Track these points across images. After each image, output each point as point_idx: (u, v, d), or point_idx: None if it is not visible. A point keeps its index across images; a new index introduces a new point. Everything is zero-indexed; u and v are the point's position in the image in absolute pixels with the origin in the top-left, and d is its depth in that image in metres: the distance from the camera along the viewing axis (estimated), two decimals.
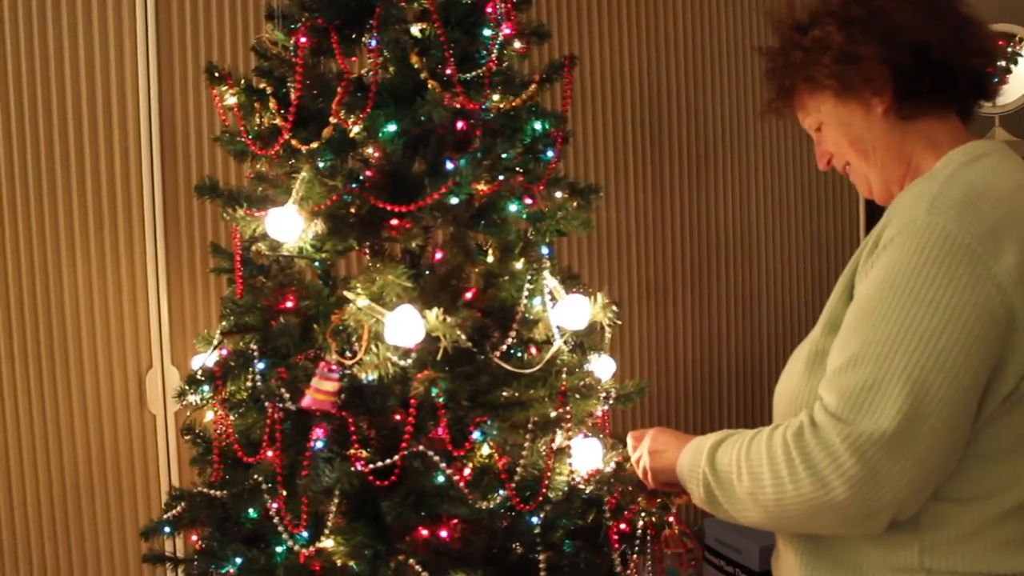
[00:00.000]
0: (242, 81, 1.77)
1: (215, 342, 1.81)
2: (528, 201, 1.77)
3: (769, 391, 3.57)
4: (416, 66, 1.68)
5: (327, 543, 1.64)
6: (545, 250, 1.81)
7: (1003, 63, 2.82)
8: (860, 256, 1.25)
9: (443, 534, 1.68)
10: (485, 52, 1.74)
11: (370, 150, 1.77)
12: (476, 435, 1.66)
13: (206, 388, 1.79)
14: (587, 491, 1.77)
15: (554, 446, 1.73)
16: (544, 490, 1.69)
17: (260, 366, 1.73)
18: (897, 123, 1.29)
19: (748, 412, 3.24)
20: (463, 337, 1.64)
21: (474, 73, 1.72)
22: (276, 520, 1.67)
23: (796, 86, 1.35)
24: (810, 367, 1.27)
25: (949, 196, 1.17)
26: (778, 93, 1.38)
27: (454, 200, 1.67)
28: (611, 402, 1.89)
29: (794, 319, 3.32)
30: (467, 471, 1.67)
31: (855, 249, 3.33)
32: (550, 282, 1.76)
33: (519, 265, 1.80)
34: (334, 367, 1.64)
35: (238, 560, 1.74)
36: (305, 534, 1.66)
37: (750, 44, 3.18)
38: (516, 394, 1.72)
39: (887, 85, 1.27)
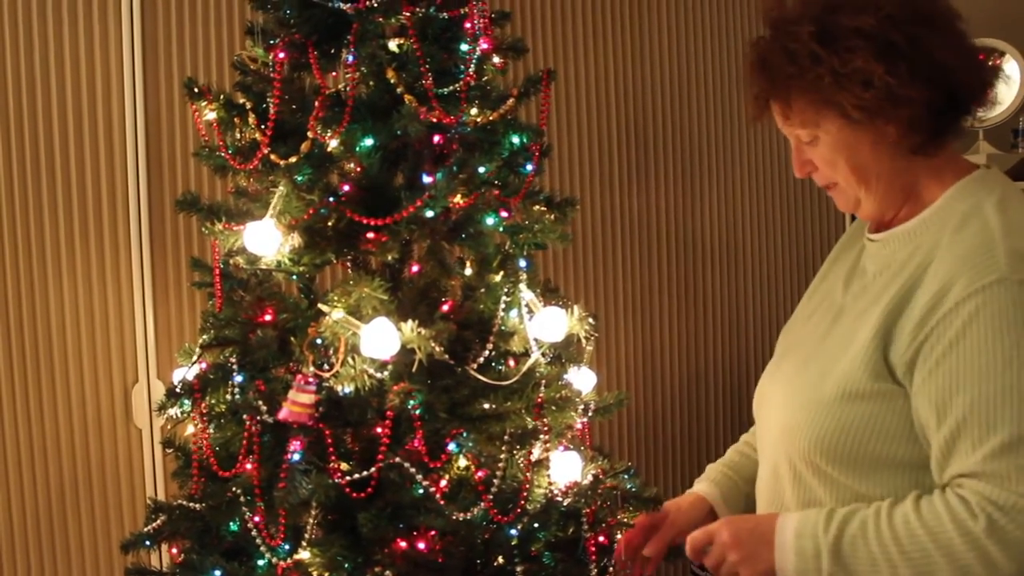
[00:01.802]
0: (221, 96, 1.78)
1: (195, 355, 1.82)
2: (504, 214, 1.78)
3: None
4: (393, 81, 1.70)
5: (304, 555, 1.64)
6: (523, 263, 1.82)
7: None
8: (906, 307, 1.21)
9: (420, 546, 1.68)
10: (462, 67, 1.76)
11: (349, 164, 1.79)
12: (452, 447, 1.67)
13: (186, 401, 1.79)
14: (565, 503, 1.78)
15: (532, 458, 1.74)
16: (522, 502, 1.70)
17: (239, 379, 1.74)
18: (905, 154, 1.26)
19: (735, 421, 3.24)
20: (438, 349, 1.65)
21: (451, 88, 1.73)
22: (254, 533, 1.68)
23: (801, 97, 1.26)
24: (843, 403, 1.25)
25: (1021, 250, 1.17)
26: (768, 92, 1.29)
27: (430, 213, 1.68)
28: (590, 414, 1.89)
29: (781, 326, 3.31)
30: (443, 483, 1.68)
31: None
32: (526, 294, 1.77)
33: (497, 278, 1.81)
34: (311, 379, 1.65)
35: (217, 573, 1.74)
36: (286, 547, 1.67)
37: (734, 53, 3.19)
38: (493, 406, 1.73)
39: (912, 117, 1.22)
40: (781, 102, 1.29)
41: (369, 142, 1.69)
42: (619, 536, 1.81)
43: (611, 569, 1.81)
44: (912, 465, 1.23)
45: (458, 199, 1.72)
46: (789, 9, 1.28)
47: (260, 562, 1.70)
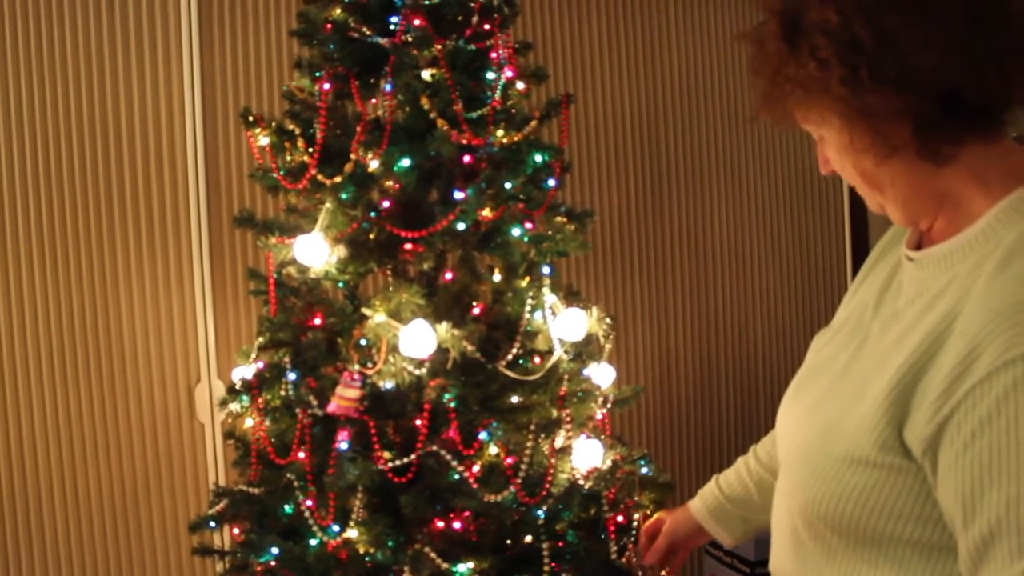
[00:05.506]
0: (273, 123, 1.82)
1: (252, 356, 1.86)
2: (529, 226, 1.80)
3: (764, 395, 3.53)
4: (426, 107, 1.73)
5: (352, 533, 1.68)
6: (546, 269, 1.84)
7: None
8: (928, 368, 0.91)
9: (456, 525, 1.71)
10: (489, 93, 1.78)
11: (388, 182, 1.82)
12: (483, 436, 1.69)
13: (245, 397, 1.83)
14: (587, 487, 1.79)
15: (556, 446, 1.76)
16: (548, 486, 1.72)
17: (292, 376, 1.77)
18: (921, 162, 0.95)
19: (744, 415, 3.24)
20: (471, 348, 1.68)
21: (479, 112, 1.76)
22: (307, 515, 1.71)
23: (790, 96, 0.99)
24: (844, 466, 0.99)
25: None
26: (759, 91, 1.03)
27: (462, 226, 1.71)
28: (608, 406, 1.91)
29: (785, 325, 3.32)
30: (476, 468, 1.70)
31: (840, 257, 3.37)
32: (550, 298, 1.79)
33: (523, 283, 1.83)
34: (356, 376, 1.68)
35: (275, 551, 1.78)
36: (335, 527, 1.70)
37: (737, 76, 3.20)
38: (521, 399, 1.76)
39: (905, 127, 0.92)
40: (770, 101, 1.02)
41: (406, 162, 1.72)
42: (636, 516, 1.83)
43: (629, 545, 1.83)
44: (924, 546, 0.96)
45: (487, 212, 1.75)
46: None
47: (313, 541, 1.74)
